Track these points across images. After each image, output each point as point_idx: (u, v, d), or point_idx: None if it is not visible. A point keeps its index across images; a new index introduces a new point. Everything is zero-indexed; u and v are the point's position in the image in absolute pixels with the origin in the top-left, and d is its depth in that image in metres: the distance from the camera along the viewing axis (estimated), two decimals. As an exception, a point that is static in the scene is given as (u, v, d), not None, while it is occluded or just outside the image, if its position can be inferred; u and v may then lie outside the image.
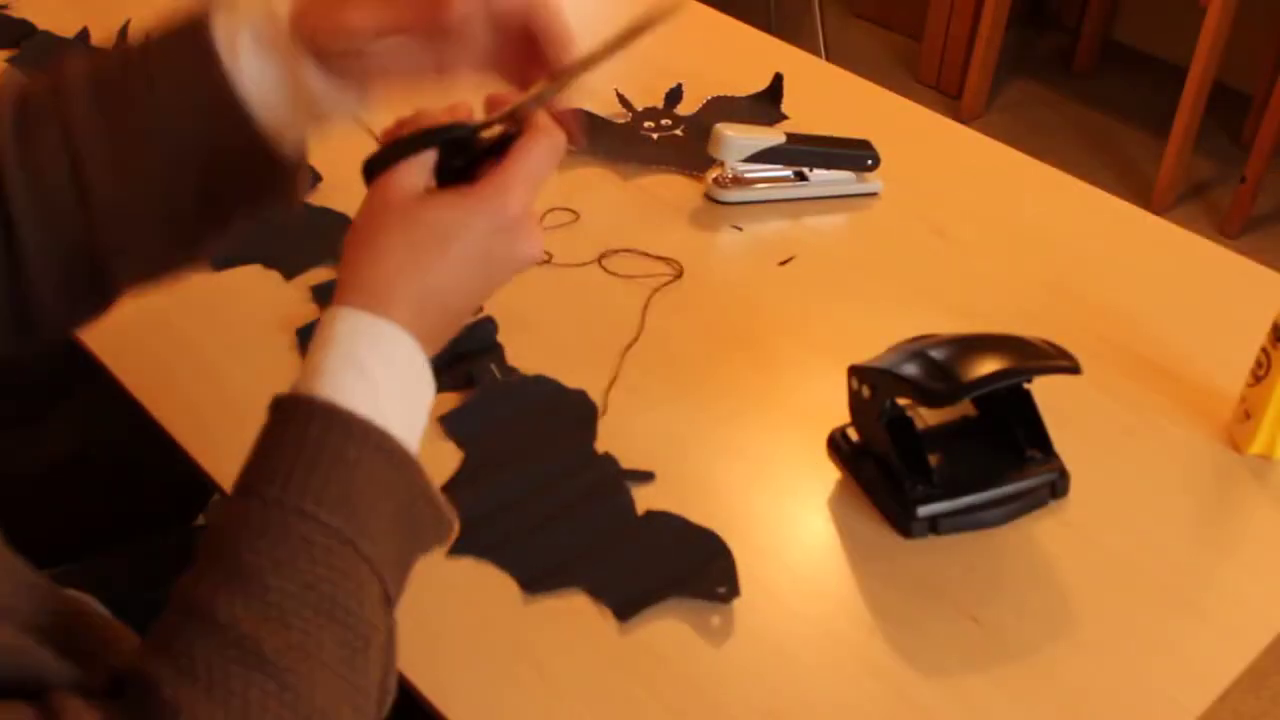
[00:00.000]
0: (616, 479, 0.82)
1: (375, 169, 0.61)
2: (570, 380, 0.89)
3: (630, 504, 0.81)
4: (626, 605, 0.75)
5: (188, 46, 0.69)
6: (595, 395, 0.88)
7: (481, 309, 0.70)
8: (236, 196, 0.72)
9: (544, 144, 0.64)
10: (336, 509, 0.56)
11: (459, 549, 0.77)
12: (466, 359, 0.89)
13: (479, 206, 0.61)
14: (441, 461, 0.83)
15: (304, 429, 0.57)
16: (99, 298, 0.73)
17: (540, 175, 0.63)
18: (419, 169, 0.63)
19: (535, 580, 0.76)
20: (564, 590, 0.75)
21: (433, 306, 0.61)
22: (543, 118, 0.66)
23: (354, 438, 0.57)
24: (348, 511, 0.56)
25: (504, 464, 0.82)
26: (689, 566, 0.77)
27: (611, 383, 0.89)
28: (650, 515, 0.80)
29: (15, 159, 0.70)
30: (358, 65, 0.69)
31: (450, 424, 0.85)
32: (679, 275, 1.00)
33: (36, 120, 0.70)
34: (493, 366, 0.88)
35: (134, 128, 0.69)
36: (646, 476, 0.82)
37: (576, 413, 0.87)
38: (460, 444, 0.84)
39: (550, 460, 0.83)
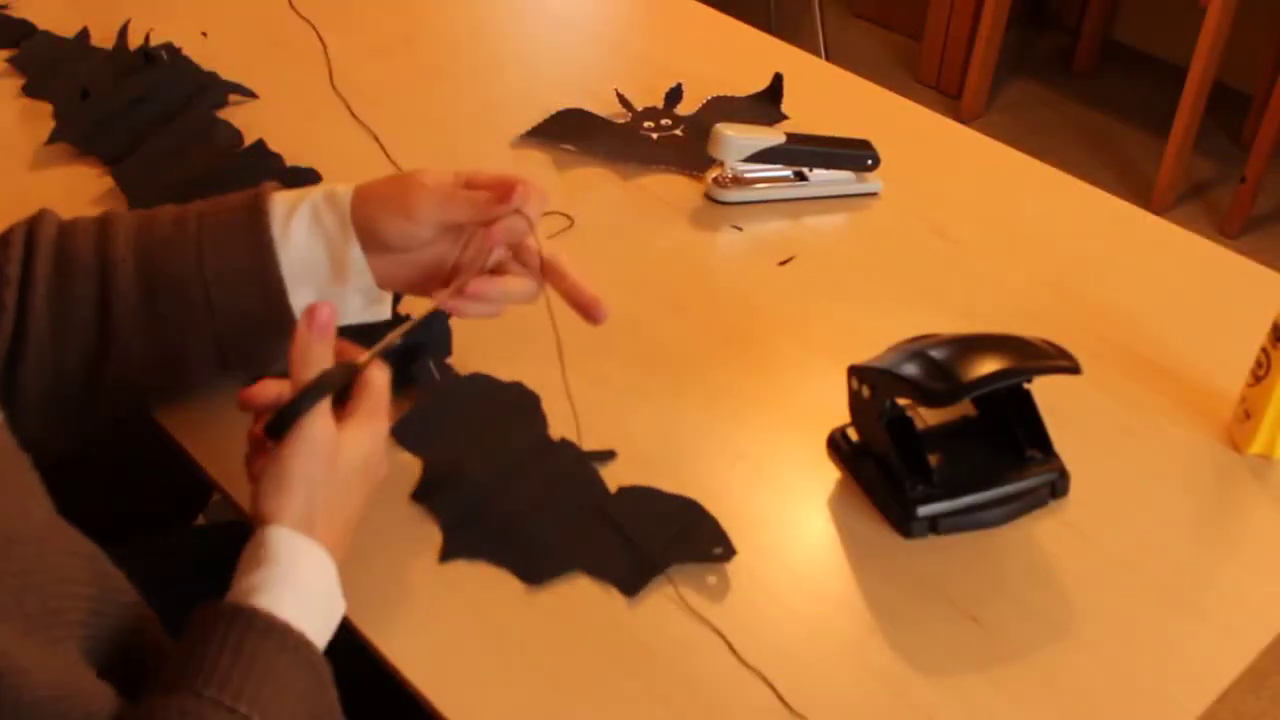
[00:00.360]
0: (581, 461, 0.83)
1: (288, 418, 0.69)
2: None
3: (601, 482, 0.82)
4: (629, 581, 0.75)
5: (243, 227, 0.78)
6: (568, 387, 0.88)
7: None
8: (249, 351, 0.81)
9: (384, 377, 0.74)
10: (265, 710, 0.60)
11: (449, 554, 0.77)
12: (419, 353, 0.89)
13: (369, 433, 0.71)
14: (401, 470, 0.82)
15: (241, 634, 0.62)
16: (82, 423, 0.80)
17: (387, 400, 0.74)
18: (324, 415, 0.70)
19: (533, 570, 0.76)
20: (564, 575, 0.76)
21: (342, 520, 0.70)
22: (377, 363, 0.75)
23: (286, 648, 0.63)
24: (273, 713, 0.61)
25: (466, 464, 0.83)
26: (678, 533, 0.78)
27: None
28: (624, 491, 0.81)
29: (45, 301, 0.77)
30: (399, 255, 0.79)
31: (400, 434, 0.84)
32: (570, 225, 1.03)
33: (76, 269, 0.77)
34: (431, 365, 0.88)
35: (172, 295, 0.78)
36: (608, 455, 0.83)
37: (519, 403, 0.87)
38: (416, 452, 0.84)
39: (510, 453, 0.83)
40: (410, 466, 0.83)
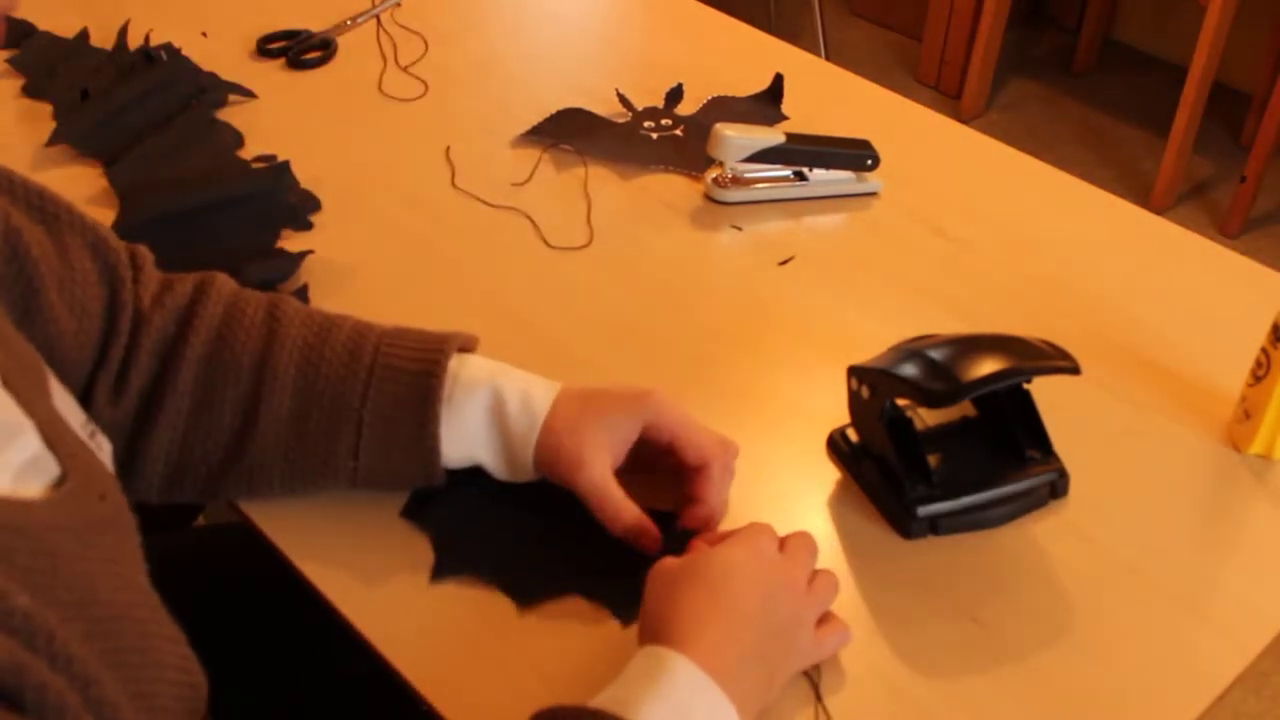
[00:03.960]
0: None
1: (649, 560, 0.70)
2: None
3: None
4: (626, 607, 0.74)
5: (413, 406, 0.74)
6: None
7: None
8: (381, 482, 0.78)
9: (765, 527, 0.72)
10: None
11: (440, 574, 0.76)
12: None
13: (738, 541, 0.69)
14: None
15: None
16: (196, 494, 0.78)
17: (773, 537, 0.71)
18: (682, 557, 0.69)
19: (524, 591, 0.75)
20: (559, 598, 0.75)
21: (748, 651, 0.64)
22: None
23: None
24: None
25: (467, 481, 0.80)
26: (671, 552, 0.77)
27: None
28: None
29: (195, 377, 0.75)
30: None
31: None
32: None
33: (235, 356, 0.75)
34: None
35: (323, 424, 0.75)
36: None
37: None
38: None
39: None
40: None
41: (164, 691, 0.58)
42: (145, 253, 0.78)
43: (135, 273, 0.76)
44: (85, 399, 0.72)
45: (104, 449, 0.64)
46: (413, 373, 0.75)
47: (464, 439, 0.76)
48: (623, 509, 0.75)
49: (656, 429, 0.76)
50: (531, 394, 0.76)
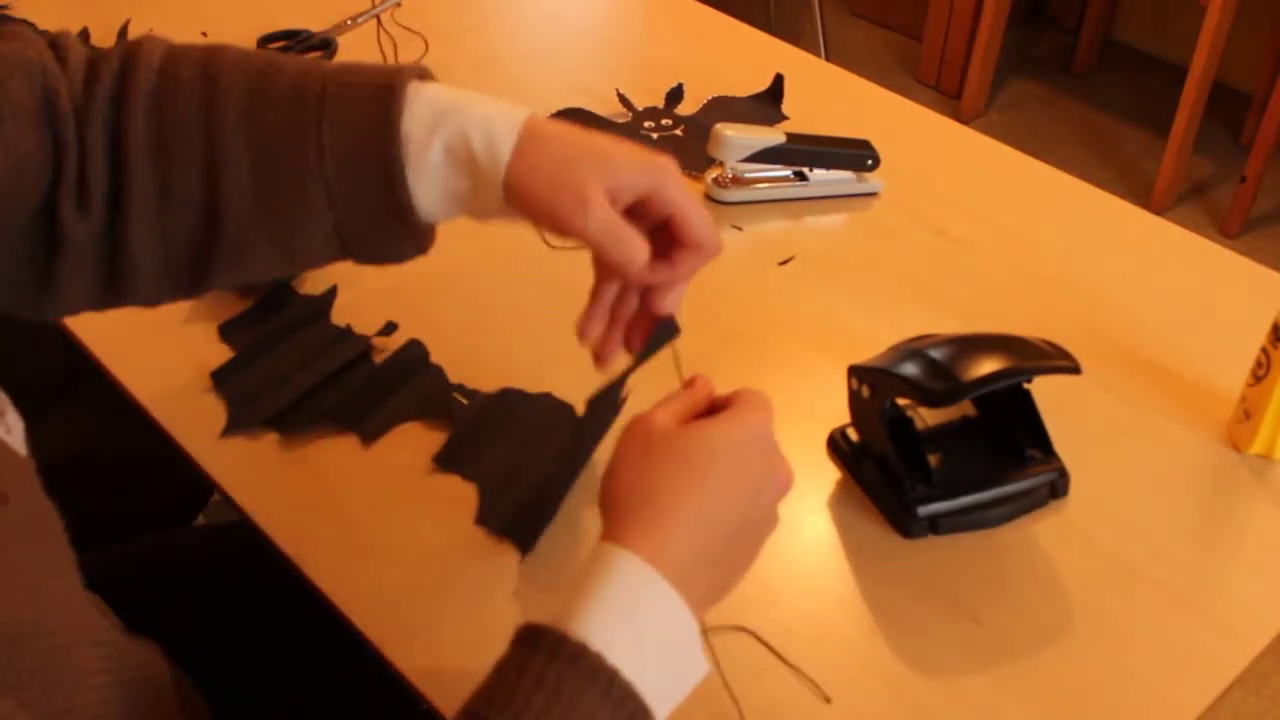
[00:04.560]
0: None
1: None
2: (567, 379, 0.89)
3: None
4: None
5: (371, 137, 0.66)
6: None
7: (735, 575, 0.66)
8: (364, 246, 0.71)
9: (764, 397, 0.65)
10: None
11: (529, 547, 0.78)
12: (414, 380, 0.89)
13: (731, 420, 0.63)
14: (455, 492, 0.82)
15: (561, 671, 0.54)
16: (196, 286, 0.71)
17: (771, 414, 0.65)
18: (669, 411, 0.64)
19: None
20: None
21: (704, 544, 0.60)
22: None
23: (611, 699, 0.54)
24: None
25: (518, 477, 0.82)
26: None
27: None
28: None
29: (147, 165, 0.67)
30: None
31: (445, 461, 0.84)
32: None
33: (179, 134, 0.67)
34: (455, 396, 0.88)
35: (288, 189, 0.67)
36: None
37: (554, 414, 0.87)
38: (465, 475, 0.83)
39: (558, 461, 0.83)
40: (463, 487, 0.82)
41: (89, 700, 0.55)
42: (67, 36, 0.71)
43: (63, 65, 0.68)
44: (52, 223, 0.65)
45: (14, 429, 0.59)
46: (366, 115, 0.67)
47: (429, 172, 0.67)
48: (641, 244, 0.66)
49: (660, 200, 0.67)
50: (494, 118, 0.68)
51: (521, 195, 0.66)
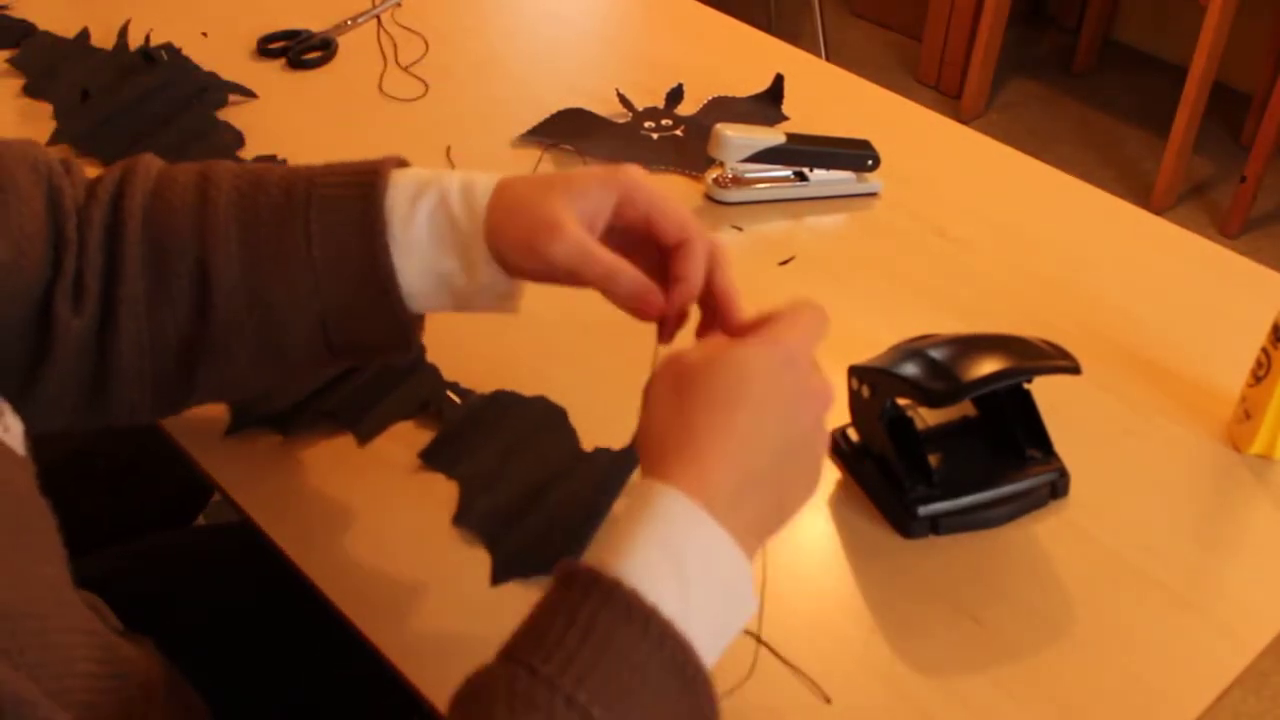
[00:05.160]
0: (618, 465, 0.82)
1: None
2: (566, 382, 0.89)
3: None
4: None
5: (356, 215, 0.69)
6: (586, 392, 0.88)
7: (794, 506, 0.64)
8: (349, 339, 0.72)
9: (810, 312, 0.65)
10: (610, 708, 0.50)
11: (500, 577, 0.76)
12: (411, 380, 0.89)
13: (764, 340, 0.61)
14: (436, 490, 0.82)
15: (595, 610, 0.52)
16: (179, 396, 0.73)
17: (814, 330, 0.64)
18: (700, 345, 0.63)
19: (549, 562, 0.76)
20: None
21: (750, 475, 0.58)
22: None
23: (649, 638, 0.52)
24: (619, 716, 0.50)
25: (502, 481, 0.82)
26: None
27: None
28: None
29: (140, 257, 0.69)
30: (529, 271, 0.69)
31: (430, 457, 0.84)
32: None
33: (172, 226, 0.70)
34: (449, 394, 0.88)
35: (277, 274, 0.69)
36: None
37: (547, 417, 0.87)
38: (448, 473, 0.83)
39: (546, 466, 0.83)
40: (443, 485, 0.82)
41: (77, 686, 0.55)
42: (73, 158, 0.75)
43: (70, 178, 0.72)
44: (48, 319, 0.67)
45: (13, 430, 0.60)
46: (353, 209, 0.69)
47: (416, 248, 0.69)
48: (618, 265, 0.66)
49: (632, 204, 0.68)
50: (473, 180, 0.70)
51: (501, 238, 0.67)
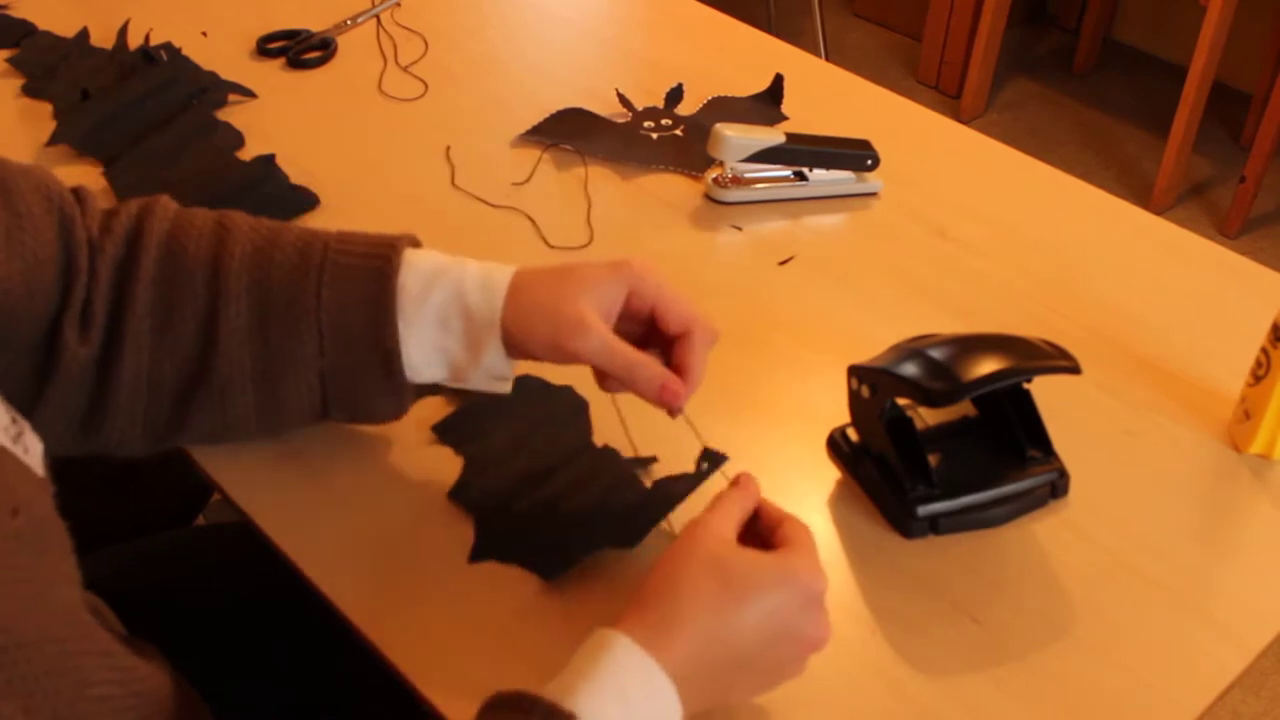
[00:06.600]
0: (619, 463, 0.82)
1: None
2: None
3: (639, 483, 0.81)
4: (630, 535, 0.76)
5: (369, 288, 0.72)
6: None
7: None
8: (344, 399, 0.76)
9: (810, 535, 0.69)
10: None
11: (479, 554, 0.77)
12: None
13: (791, 572, 0.65)
14: (441, 466, 0.82)
15: None
16: (168, 435, 0.76)
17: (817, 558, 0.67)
18: (729, 521, 0.67)
19: (549, 565, 0.76)
20: (578, 561, 0.76)
21: (710, 658, 0.62)
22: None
23: None
24: None
25: (506, 463, 0.82)
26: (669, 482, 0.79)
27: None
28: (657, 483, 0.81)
29: (149, 304, 0.72)
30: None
31: (444, 432, 0.84)
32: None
33: (185, 270, 0.73)
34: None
35: (284, 327, 0.73)
36: (650, 461, 0.83)
37: (567, 407, 0.87)
38: (458, 450, 0.84)
39: (552, 454, 0.83)
40: (450, 462, 0.83)
41: (89, 711, 0.55)
42: (87, 189, 0.76)
43: (82, 207, 0.73)
44: (54, 344, 0.69)
45: (32, 450, 0.60)
46: (366, 269, 0.73)
47: (424, 327, 0.73)
48: (639, 360, 0.72)
49: (640, 296, 0.74)
50: (490, 273, 0.74)
51: (523, 334, 0.72)
